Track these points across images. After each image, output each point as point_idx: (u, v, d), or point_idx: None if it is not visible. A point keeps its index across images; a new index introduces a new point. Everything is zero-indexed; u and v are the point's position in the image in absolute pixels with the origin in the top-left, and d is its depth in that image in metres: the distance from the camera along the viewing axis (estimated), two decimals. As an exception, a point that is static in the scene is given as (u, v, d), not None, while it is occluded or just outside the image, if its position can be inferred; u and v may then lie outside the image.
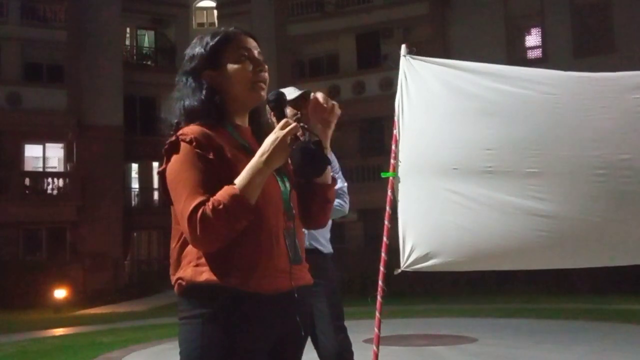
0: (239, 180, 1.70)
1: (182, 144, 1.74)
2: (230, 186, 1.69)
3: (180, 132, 1.77)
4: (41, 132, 22.49)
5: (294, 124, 1.75)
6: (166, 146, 1.78)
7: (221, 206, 1.65)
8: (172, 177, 1.75)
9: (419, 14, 22.42)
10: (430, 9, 22.28)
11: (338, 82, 23.35)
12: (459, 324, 11.21)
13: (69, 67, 23.12)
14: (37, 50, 22.98)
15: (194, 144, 1.73)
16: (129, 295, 21.32)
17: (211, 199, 1.66)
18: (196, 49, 1.92)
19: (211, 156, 1.73)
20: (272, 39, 23.19)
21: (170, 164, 1.77)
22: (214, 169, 1.73)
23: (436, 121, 3.59)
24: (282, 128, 1.74)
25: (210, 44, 1.89)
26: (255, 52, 1.92)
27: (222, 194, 1.67)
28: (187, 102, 1.85)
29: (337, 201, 3.49)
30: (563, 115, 3.32)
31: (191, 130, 1.77)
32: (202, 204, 1.66)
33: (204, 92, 1.85)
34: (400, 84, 3.66)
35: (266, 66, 1.93)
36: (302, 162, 1.82)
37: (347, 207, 3.77)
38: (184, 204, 1.68)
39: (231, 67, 1.87)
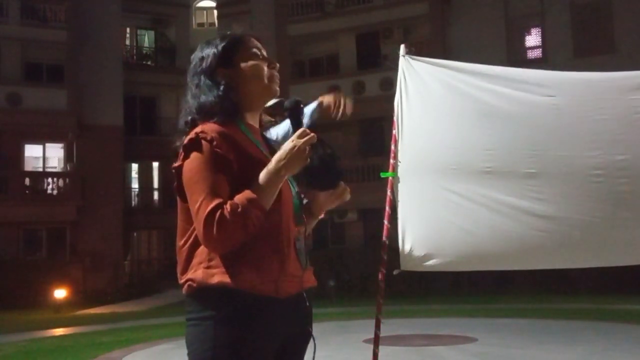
0: (256, 185, 1.71)
1: (203, 143, 1.74)
2: (247, 191, 1.69)
3: (200, 129, 1.77)
4: (41, 132, 22.47)
5: (312, 134, 1.75)
6: (186, 142, 1.77)
7: (239, 209, 1.65)
8: (189, 175, 1.75)
9: (419, 14, 22.41)
10: (430, 9, 22.26)
11: (338, 82, 23.32)
12: (459, 324, 11.21)
13: (69, 67, 23.11)
14: (37, 50, 22.96)
15: (214, 143, 1.73)
16: (129, 295, 21.32)
17: (229, 202, 1.67)
18: (206, 50, 1.92)
19: (230, 156, 1.74)
20: (272, 39, 23.16)
21: (188, 162, 1.76)
22: (232, 170, 1.73)
23: (435, 121, 3.60)
24: (300, 137, 1.75)
25: (222, 44, 1.91)
26: (264, 52, 1.96)
27: (240, 197, 1.68)
28: (202, 99, 1.85)
29: None
30: (560, 116, 3.33)
31: (210, 128, 1.77)
32: (219, 206, 1.66)
33: (221, 88, 1.85)
34: (399, 84, 3.67)
35: (277, 64, 1.96)
36: (318, 172, 1.84)
37: None
38: (200, 205, 1.68)
39: (245, 64, 1.90)
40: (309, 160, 1.76)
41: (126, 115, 24.69)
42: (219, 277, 1.71)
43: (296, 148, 1.73)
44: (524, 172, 3.33)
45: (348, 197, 2.01)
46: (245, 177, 1.72)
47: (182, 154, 1.78)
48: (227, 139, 1.76)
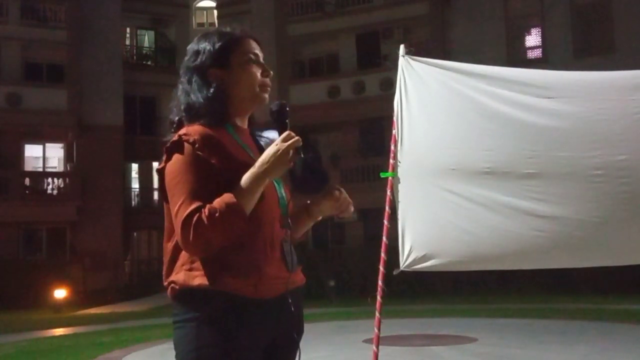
0: (237, 188, 1.69)
1: (185, 145, 1.73)
2: (228, 194, 1.68)
3: (184, 132, 1.75)
4: (41, 132, 22.49)
5: (296, 138, 1.73)
6: (168, 145, 1.76)
7: (217, 214, 1.64)
8: (170, 177, 1.74)
9: (419, 14, 22.40)
10: (430, 9, 22.26)
11: (338, 82, 23.34)
12: (459, 324, 11.21)
13: (69, 67, 23.12)
14: (37, 50, 22.97)
15: (197, 145, 1.72)
16: (129, 295, 21.33)
17: (207, 206, 1.65)
18: (201, 44, 1.89)
19: (213, 160, 1.72)
20: (272, 39, 23.17)
21: (170, 164, 1.75)
22: (214, 173, 1.72)
23: (435, 121, 3.60)
24: (284, 140, 1.73)
25: (219, 43, 1.87)
26: (260, 57, 1.92)
27: (219, 201, 1.66)
28: (191, 99, 1.83)
29: None
30: (560, 117, 3.33)
31: (194, 130, 1.75)
32: (197, 210, 1.65)
33: (211, 90, 1.83)
34: (399, 84, 3.67)
35: (271, 72, 1.93)
36: (303, 177, 1.82)
37: None
38: (179, 208, 1.67)
39: (239, 69, 1.87)
40: (292, 164, 1.73)
41: (126, 115, 24.69)
42: (199, 279, 1.70)
43: (280, 152, 1.71)
44: (524, 172, 3.33)
45: (350, 211, 1.98)
46: (228, 181, 1.71)
47: (165, 155, 1.76)
48: (210, 141, 1.74)
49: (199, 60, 1.87)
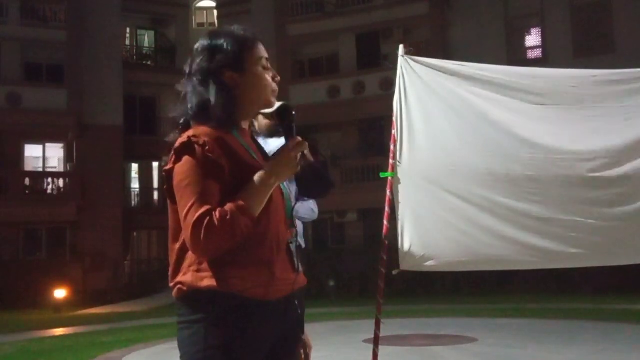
0: (246, 191, 1.70)
1: (195, 147, 1.71)
2: (238, 198, 1.68)
3: (193, 133, 1.74)
4: (41, 132, 22.48)
5: (304, 142, 1.75)
6: (177, 146, 1.74)
7: (228, 217, 1.64)
8: (179, 178, 1.72)
9: (419, 14, 22.40)
10: (430, 9, 22.25)
11: (338, 82, 23.33)
12: (459, 324, 11.21)
13: (69, 67, 23.11)
14: (37, 50, 22.97)
15: (207, 147, 1.71)
16: (129, 295, 21.34)
17: (218, 209, 1.65)
18: (215, 44, 1.85)
19: (222, 162, 1.72)
20: (272, 39, 23.16)
21: (179, 165, 1.73)
22: (223, 175, 1.71)
23: (434, 122, 3.61)
24: (292, 145, 1.74)
25: (235, 46, 1.85)
26: (268, 61, 1.92)
27: (230, 205, 1.66)
28: (203, 99, 1.80)
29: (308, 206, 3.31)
30: (555, 122, 3.36)
31: (203, 132, 1.74)
32: (208, 212, 1.64)
33: (224, 93, 1.81)
34: (398, 84, 3.67)
35: (279, 77, 1.93)
36: (309, 181, 1.83)
37: (316, 212, 3.54)
38: (189, 210, 1.66)
39: (255, 72, 1.86)
40: (299, 168, 1.74)
41: (126, 115, 24.69)
42: (208, 281, 1.70)
43: (287, 156, 1.73)
44: (522, 174, 3.35)
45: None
46: (236, 183, 1.71)
47: (174, 156, 1.75)
48: (219, 144, 1.74)
49: (212, 60, 1.83)
